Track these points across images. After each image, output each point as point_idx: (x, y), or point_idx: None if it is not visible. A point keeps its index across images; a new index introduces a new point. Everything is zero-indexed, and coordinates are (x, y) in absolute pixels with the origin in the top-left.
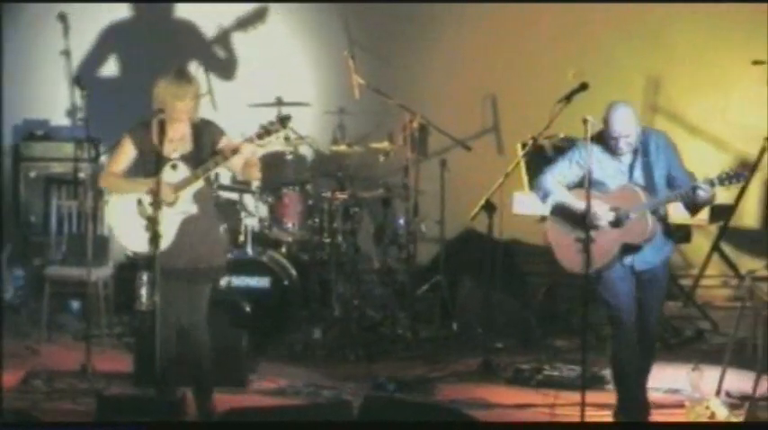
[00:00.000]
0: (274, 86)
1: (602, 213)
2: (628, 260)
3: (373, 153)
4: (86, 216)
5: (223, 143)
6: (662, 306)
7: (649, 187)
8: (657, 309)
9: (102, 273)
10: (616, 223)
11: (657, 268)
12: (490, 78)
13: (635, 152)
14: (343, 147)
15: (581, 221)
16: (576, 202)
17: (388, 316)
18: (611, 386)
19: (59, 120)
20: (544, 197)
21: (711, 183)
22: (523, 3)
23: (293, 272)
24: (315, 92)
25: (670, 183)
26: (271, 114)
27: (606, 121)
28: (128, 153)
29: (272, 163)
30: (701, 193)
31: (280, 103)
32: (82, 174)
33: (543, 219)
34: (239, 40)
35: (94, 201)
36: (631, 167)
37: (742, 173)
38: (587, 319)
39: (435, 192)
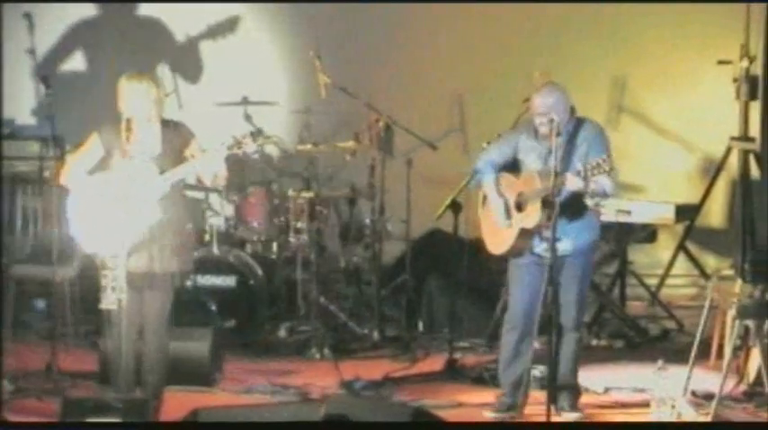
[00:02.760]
0: (241, 85)
1: (499, 211)
2: (538, 248)
3: (339, 152)
4: (51, 215)
5: (193, 146)
6: (580, 295)
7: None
8: (574, 296)
9: (67, 273)
10: (518, 207)
11: (572, 256)
12: (457, 78)
13: (557, 138)
14: (309, 147)
15: (497, 202)
16: (488, 189)
17: (353, 315)
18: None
19: (25, 118)
20: (476, 179)
21: (578, 173)
22: (490, 2)
23: (259, 271)
24: (281, 91)
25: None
26: (237, 112)
27: (531, 103)
28: (94, 151)
29: (237, 162)
30: (569, 182)
31: (246, 101)
32: (47, 173)
33: None
34: (206, 39)
35: (60, 199)
36: (549, 152)
37: (602, 163)
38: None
39: (401, 191)
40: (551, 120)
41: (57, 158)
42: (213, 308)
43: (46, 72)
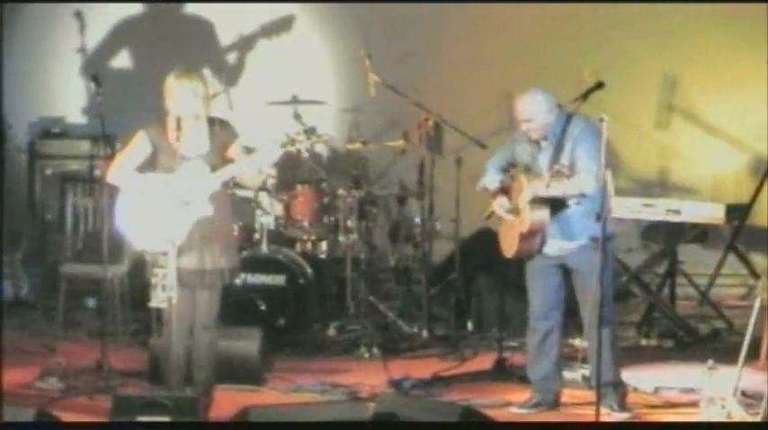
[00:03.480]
0: (290, 84)
1: (502, 202)
2: (546, 249)
3: (389, 151)
4: (102, 213)
5: (236, 145)
6: (602, 288)
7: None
8: (594, 291)
9: (117, 271)
10: (514, 212)
11: (581, 251)
12: (506, 76)
13: (544, 138)
14: (358, 145)
15: (503, 207)
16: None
17: (402, 314)
18: (627, 385)
19: (75, 117)
20: (480, 183)
21: (546, 185)
22: (541, 2)
23: (308, 270)
24: (331, 89)
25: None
26: (287, 111)
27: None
28: (141, 149)
29: (287, 161)
30: (538, 190)
31: (295, 101)
32: (98, 172)
33: None
34: (257, 39)
35: (110, 198)
36: (540, 154)
37: (559, 170)
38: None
39: (450, 190)
40: (530, 121)
41: (107, 157)
42: (263, 307)
43: (96, 70)
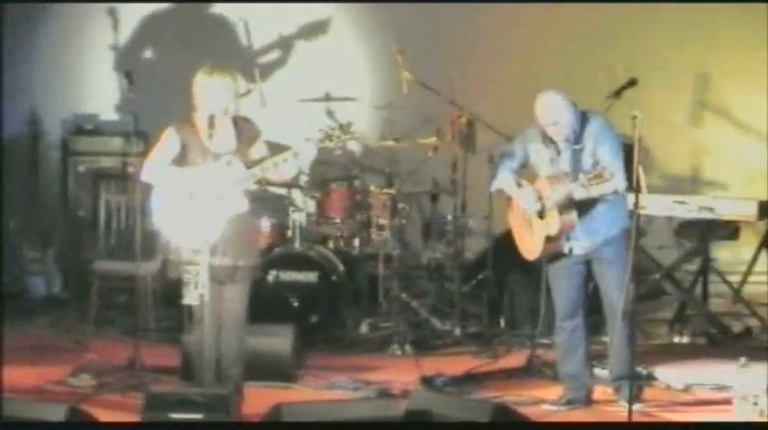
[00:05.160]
0: (323, 81)
1: (530, 203)
2: (567, 247)
3: (421, 148)
4: (135, 210)
5: (259, 143)
6: (618, 283)
7: (575, 175)
8: (613, 285)
9: (150, 268)
10: (540, 214)
11: (600, 248)
12: (538, 74)
13: (567, 139)
14: (391, 143)
15: (521, 209)
16: (512, 189)
17: (435, 311)
18: (659, 382)
19: (108, 114)
20: (493, 184)
21: (582, 185)
22: (572, 2)
23: (341, 267)
24: (363, 87)
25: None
26: (319, 108)
27: (535, 111)
28: (171, 146)
29: (320, 158)
30: (576, 194)
31: (328, 98)
32: (131, 169)
33: None
34: (291, 37)
35: (143, 195)
36: (561, 155)
37: (600, 171)
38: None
39: (483, 187)
40: (555, 123)
41: (140, 154)
42: (295, 303)
43: (129, 67)
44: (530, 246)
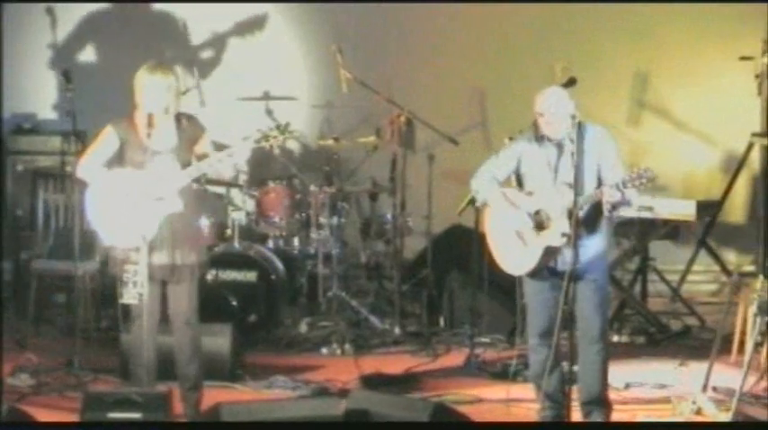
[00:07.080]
0: (262, 80)
1: (522, 219)
2: (550, 262)
3: (361, 147)
4: (73, 210)
5: (204, 140)
6: (603, 306)
7: (575, 184)
8: (595, 306)
9: (88, 267)
10: (539, 226)
11: (587, 266)
12: (478, 73)
13: (563, 146)
14: (330, 142)
15: (510, 221)
16: (503, 202)
17: (374, 310)
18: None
19: (47, 113)
20: (480, 198)
21: (617, 187)
22: (512, 1)
23: (280, 266)
24: (302, 86)
25: (600, 181)
26: (259, 107)
27: (534, 106)
28: (109, 143)
29: (259, 157)
30: (607, 195)
31: (267, 96)
32: (69, 168)
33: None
34: (229, 35)
35: (81, 194)
36: (558, 162)
37: (644, 173)
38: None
39: (422, 186)
40: (573, 117)
41: (78, 153)
42: (234, 303)
43: (66, 66)
44: (518, 261)
